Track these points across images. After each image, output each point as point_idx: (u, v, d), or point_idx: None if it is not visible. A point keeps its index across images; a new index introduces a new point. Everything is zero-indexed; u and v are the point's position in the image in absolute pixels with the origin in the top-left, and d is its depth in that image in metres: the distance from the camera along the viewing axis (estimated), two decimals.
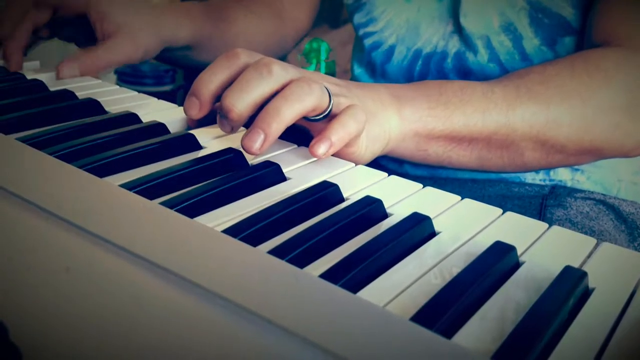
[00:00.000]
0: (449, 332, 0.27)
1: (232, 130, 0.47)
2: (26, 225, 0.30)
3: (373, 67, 0.73)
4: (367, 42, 0.73)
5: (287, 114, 0.41)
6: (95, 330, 0.23)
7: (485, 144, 0.55)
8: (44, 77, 0.61)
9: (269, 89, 0.43)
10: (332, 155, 0.46)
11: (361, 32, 0.74)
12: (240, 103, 0.42)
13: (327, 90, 0.44)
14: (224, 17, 0.80)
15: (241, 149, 0.45)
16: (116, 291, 0.25)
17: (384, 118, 0.51)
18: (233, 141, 0.50)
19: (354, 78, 0.77)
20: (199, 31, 0.75)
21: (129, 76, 1.69)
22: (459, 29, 0.67)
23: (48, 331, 0.23)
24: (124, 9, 0.66)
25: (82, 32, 0.70)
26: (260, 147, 0.41)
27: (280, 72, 0.43)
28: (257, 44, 0.84)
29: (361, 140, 0.47)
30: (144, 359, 0.22)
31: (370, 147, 0.49)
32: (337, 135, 0.43)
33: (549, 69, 0.57)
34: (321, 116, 0.44)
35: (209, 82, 0.45)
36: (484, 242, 0.35)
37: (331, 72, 1.73)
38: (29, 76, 0.60)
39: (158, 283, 0.26)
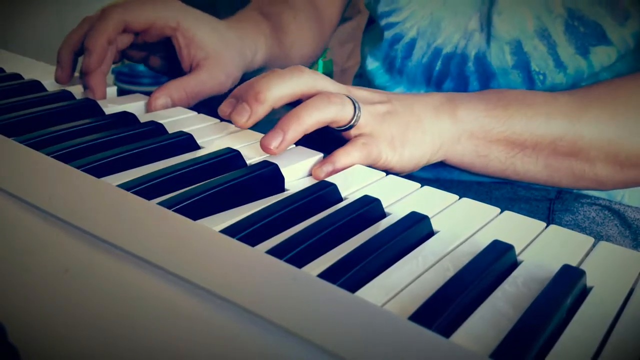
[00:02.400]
0: (447, 331, 0.27)
1: (247, 120, 0.47)
2: (24, 226, 0.30)
3: (392, 61, 0.70)
4: (389, 34, 0.70)
5: (306, 119, 0.45)
6: (94, 331, 0.23)
7: (551, 151, 0.53)
8: (131, 107, 0.55)
9: (298, 88, 0.47)
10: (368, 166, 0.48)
11: (383, 22, 0.70)
12: (274, 89, 0.46)
13: (354, 104, 0.47)
14: (280, 25, 0.75)
15: (239, 149, 0.46)
16: (114, 291, 0.25)
17: (431, 122, 0.50)
18: (231, 141, 0.50)
19: (366, 74, 0.74)
20: (270, 49, 0.70)
21: (127, 76, 1.68)
22: (484, 28, 0.64)
23: (46, 332, 0.23)
24: (212, 36, 0.61)
25: (157, 55, 0.65)
26: (278, 146, 0.44)
27: (310, 77, 0.47)
28: (308, 49, 0.81)
29: (380, 153, 0.48)
30: (142, 358, 0.22)
31: (413, 153, 0.49)
32: (339, 161, 0.45)
33: (618, 80, 0.55)
34: (347, 126, 0.47)
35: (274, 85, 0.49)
36: (482, 241, 0.35)
37: (329, 71, 1.72)
38: (110, 108, 0.54)
39: (156, 283, 0.26)
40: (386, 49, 0.71)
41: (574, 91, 0.56)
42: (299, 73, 0.47)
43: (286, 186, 0.42)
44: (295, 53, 0.78)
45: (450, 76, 0.66)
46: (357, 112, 0.47)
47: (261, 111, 0.46)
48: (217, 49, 0.60)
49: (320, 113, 0.45)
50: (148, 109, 0.56)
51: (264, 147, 0.45)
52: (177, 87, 0.58)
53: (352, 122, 0.47)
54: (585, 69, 0.61)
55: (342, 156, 0.45)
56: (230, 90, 0.51)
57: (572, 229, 0.37)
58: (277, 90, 0.46)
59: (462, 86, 0.65)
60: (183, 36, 0.59)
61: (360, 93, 0.50)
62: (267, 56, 0.70)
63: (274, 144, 0.44)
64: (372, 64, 0.73)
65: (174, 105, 0.57)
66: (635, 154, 0.53)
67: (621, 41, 0.59)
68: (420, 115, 0.51)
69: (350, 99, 0.47)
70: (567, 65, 0.61)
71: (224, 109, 0.49)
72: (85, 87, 0.57)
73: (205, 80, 0.59)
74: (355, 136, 0.48)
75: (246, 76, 0.67)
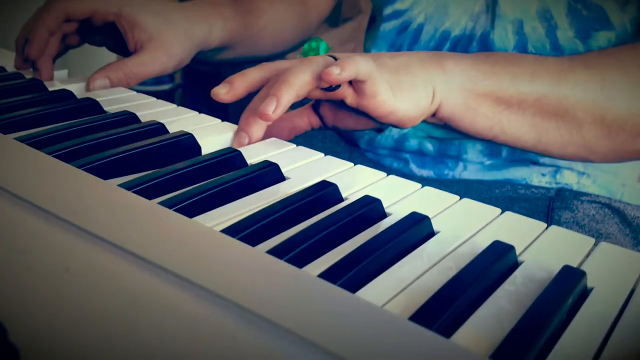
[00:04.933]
0: (447, 331, 0.27)
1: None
2: (25, 225, 0.30)
3: (398, 49, 0.71)
4: (395, 23, 0.70)
5: (294, 81, 0.46)
6: (94, 330, 0.23)
7: (537, 109, 0.53)
8: (73, 87, 0.59)
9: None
10: (372, 111, 0.49)
11: (389, 10, 0.71)
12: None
13: (336, 59, 0.48)
14: (251, 9, 0.77)
15: (240, 149, 0.46)
16: (115, 291, 0.25)
17: (420, 70, 0.51)
18: (231, 142, 0.50)
19: None
20: (230, 31, 0.73)
21: None
22: (490, 9, 0.64)
23: (47, 331, 0.23)
24: (156, 18, 0.63)
25: (112, 37, 0.68)
26: (274, 111, 0.46)
27: (283, 62, 0.50)
28: (284, 34, 0.82)
29: (382, 87, 0.48)
30: (142, 358, 0.22)
31: (410, 96, 0.50)
32: (346, 67, 0.45)
33: (610, 48, 0.56)
34: (334, 85, 0.48)
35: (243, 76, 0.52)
36: (483, 242, 0.35)
37: None
38: (57, 87, 0.58)
39: (157, 283, 0.26)
40: (393, 38, 0.71)
41: (561, 56, 0.57)
42: (309, 61, 0.48)
43: (287, 186, 0.42)
44: (268, 36, 0.80)
45: None
46: None
47: (287, 99, 0.47)
48: (160, 30, 0.63)
49: (305, 73, 0.47)
50: (87, 88, 0.60)
51: (262, 116, 0.46)
52: (116, 69, 0.61)
53: None
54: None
55: (349, 61, 0.45)
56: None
57: (572, 227, 0.37)
58: (296, 79, 0.47)
59: None
60: (126, 21, 0.62)
61: (344, 55, 0.51)
62: (226, 36, 0.72)
63: (269, 109, 0.45)
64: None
65: (112, 85, 0.60)
66: (621, 115, 0.53)
67: (621, 26, 0.60)
68: (407, 64, 0.52)
69: (331, 56, 0.49)
70: (564, 49, 0.62)
71: (219, 90, 0.51)
72: (33, 69, 0.62)
73: (146, 61, 0.62)
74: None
75: (208, 55, 0.71)
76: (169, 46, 0.63)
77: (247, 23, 0.76)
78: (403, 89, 0.50)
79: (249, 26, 0.76)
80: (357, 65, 0.46)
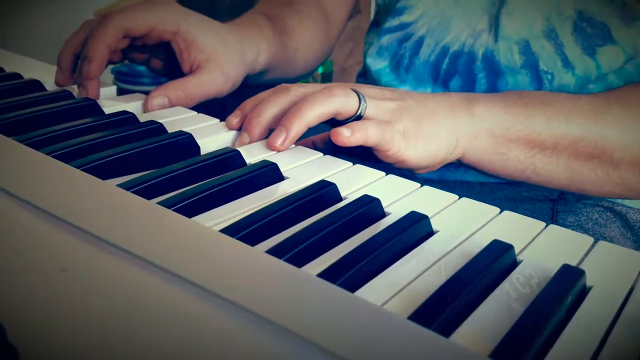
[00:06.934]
0: (446, 330, 0.27)
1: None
2: (23, 225, 0.30)
3: (400, 60, 0.70)
4: (398, 35, 0.70)
5: (307, 114, 0.46)
6: (93, 330, 0.23)
7: (572, 152, 0.52)
8: (129, 107, 0.55)
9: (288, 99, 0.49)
10: (381, 158, 0.49)
11: (395, 22, 0.70)
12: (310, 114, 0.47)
13: (358, 96, 0.48)
14: (284, 28, 0.75)
15: (239, 149, 0.46)
16: (113, 291, 0.25)
17: (446, 117, 0.50)
18: (230, 141, 0.50)
19: (371, 74, 0.73)
20: (273, 53, 0.70)
21: (126, 75, 1.68)
22: (492, 28, 0.64)
23: (45, 331, 0.23)
24: (212, 38, 0.60)
25: (157, 56, 0.65)
26: (282, 143, 0.47)
27: (302, 89, 0.49)
28: (314, 53, 0.81)
29: (392, 144, 0.47)
30: (140, 358, 0.22)
31: (427, 146, 0.49)
32: (357, 131, 0.46)
33: None
34: (352, 118, 0.48)
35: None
36: (482, 241, 0.35)
37: (328, 71, 1.72)
38: (109, 108, 0.54)
39: (155, 283, 0.26)
40: (395, 48, 0.71)
41: (595, 93, 0.55)
42: (329, 93, 0.47)
43: (286, 186, 0.42)
44: (300, 57, 0.78)
45: (458, 74, 0.66)
46: (362, 103, 0.47)
47: (297, 131, 0.47)
48: (217, 51, 0.60)
49: (322, 106, 0.46)
50: (144, 108, 0.56)
51: (270, 146, 0.47)
52: (175, 88, 0.57)
53: (358, 113, 0.47)
54: (593, 70, 0.60)
55: (360, 127, 0.46)
56: (235, 97, 0.52)
57: (576, 231, 0.37)
58: (310, 112, 0.47)
59: (470, 84, 0.65)
60: (183, 39, 0.59)
61: (371, 90, 0.50)
62: (269, 59, 0.69)
63: (278, 141, 0.47)
64: (379, 64, 0.72)
65: (171, 106, 0.57)
66: None
67: (628, 42, 0.59)
68: (434, 110, 0.50)
69: (355, 91, 0.48)
70: (575, 65, 0.61)
71: (231, 119, 0.51)
72: (79, 86, 0.57)
73: (205, 82, 0.59)
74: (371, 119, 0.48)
75: (249, 78, 0.67)
76: (225, 67, 0.61)
77: (284, 44, 0.74)
78: (419, 138, 0.49)
79: (286, 47, 0.74)
80: (367, 133, 0.46)
